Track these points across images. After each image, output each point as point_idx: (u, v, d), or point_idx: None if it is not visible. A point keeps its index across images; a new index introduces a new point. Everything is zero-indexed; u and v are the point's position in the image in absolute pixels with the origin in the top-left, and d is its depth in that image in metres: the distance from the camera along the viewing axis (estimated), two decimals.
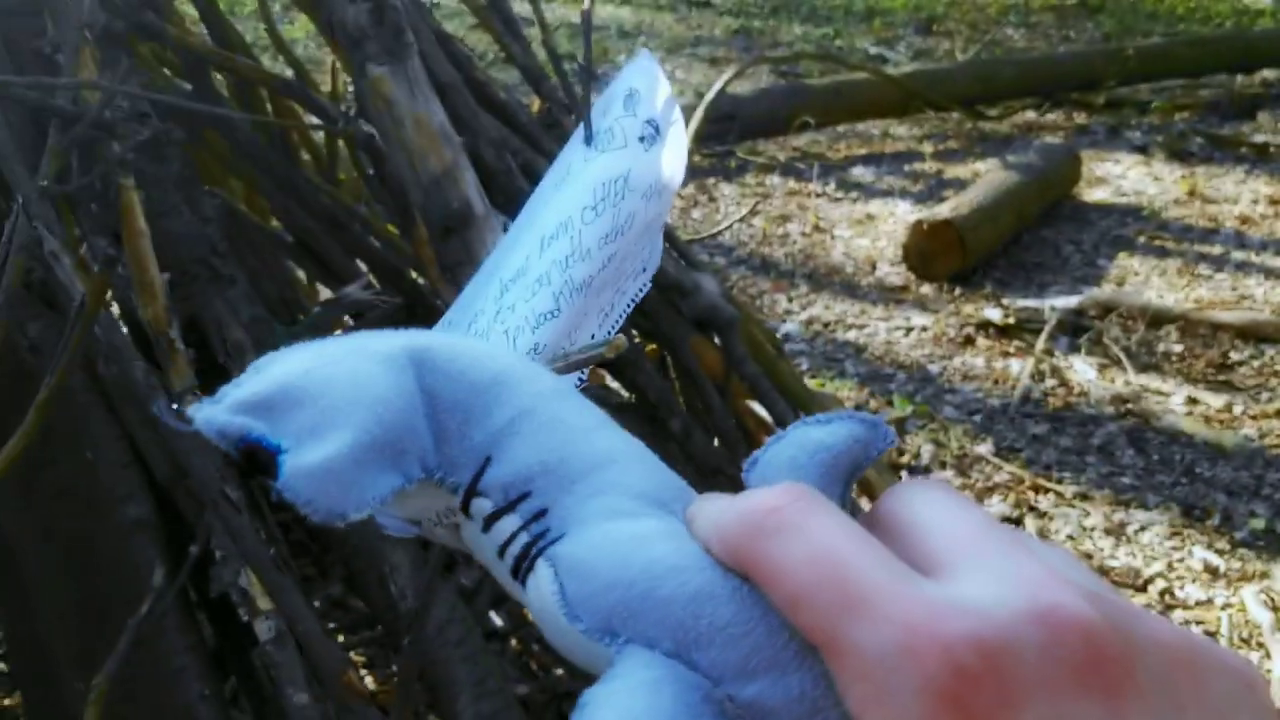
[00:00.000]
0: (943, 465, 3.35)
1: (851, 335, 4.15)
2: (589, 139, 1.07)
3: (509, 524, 0.42)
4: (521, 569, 0.42)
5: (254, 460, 0.40)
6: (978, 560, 0.35)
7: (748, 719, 0.36)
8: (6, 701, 2.32)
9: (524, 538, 0.42)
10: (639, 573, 0.39)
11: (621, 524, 0.41)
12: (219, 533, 1.13)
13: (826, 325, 4.23)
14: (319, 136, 2.42)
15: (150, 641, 1.19)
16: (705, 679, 0.37)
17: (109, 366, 1.15)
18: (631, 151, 1.06)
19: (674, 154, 1.04)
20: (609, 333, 1.06)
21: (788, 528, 0.36)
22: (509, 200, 1.58)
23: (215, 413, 0.40)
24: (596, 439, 0.44)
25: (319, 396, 0.40)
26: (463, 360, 0.44)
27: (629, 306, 1.05)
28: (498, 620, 2.58)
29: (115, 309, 1.41)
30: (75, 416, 1.26)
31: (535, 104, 2.12)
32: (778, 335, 3.54)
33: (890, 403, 3.67)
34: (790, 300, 4.43)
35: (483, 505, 0.43)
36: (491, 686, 1.32)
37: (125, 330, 1.26)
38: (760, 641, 0.37)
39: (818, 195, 5.38)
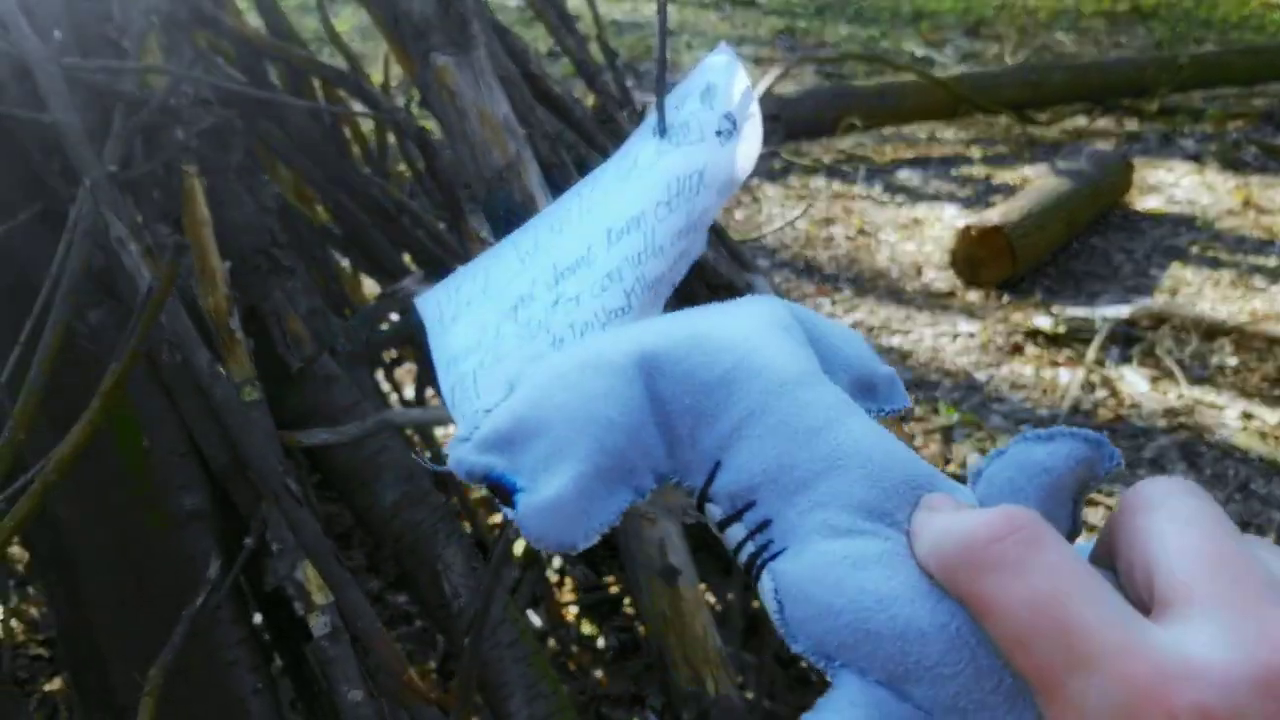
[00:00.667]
0: None
1: (896, 341, 4.11)
2: (662, 131, 1.05)
3: (736, 533, 0.43)
4: (751, 573, 0.43)
5: (499, 493, 0.42)
6: (1212, 603, 0.33)
7: None
8: (47, 688, 2.32)
9: (750, 548, 0.42)
10: (848, 602, 0.38)
11: (837, 544, 0.40)
12: (277, 525, 1.11)
13: (871, 330, 4.18)
14: (370, 129, 2.41)
15: (204, 634, 1.18)
16: (918, 710, 0.37)
17: (173, 354, 1.14)
18: (708, 146, 1.04)
19: (749, 147, 1.01)
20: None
21: (1010, 564, 0.34)
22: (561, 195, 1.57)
23: (464, 453, 0.43)
24: (821, 442, 0.43)
25: (550, 427, 0.42)
26: (692, 359, 0.45)
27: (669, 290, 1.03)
28: (536, 620, 2.57)
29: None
30: (130, 405, 1.25)
31: (590, 99, 2.11)
32: None
33: (936, 410, 3.62)
34: (834, 304, 4.39)
35: (713, 511, 0.44)
36: (544, 690, 1.30)
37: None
38: (968, 683, 0.36)
39: (863, 198, 5.33)
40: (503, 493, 0.41)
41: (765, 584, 0.41)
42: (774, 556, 0.41)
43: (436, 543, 1.31)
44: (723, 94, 1.05)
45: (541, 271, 1.09)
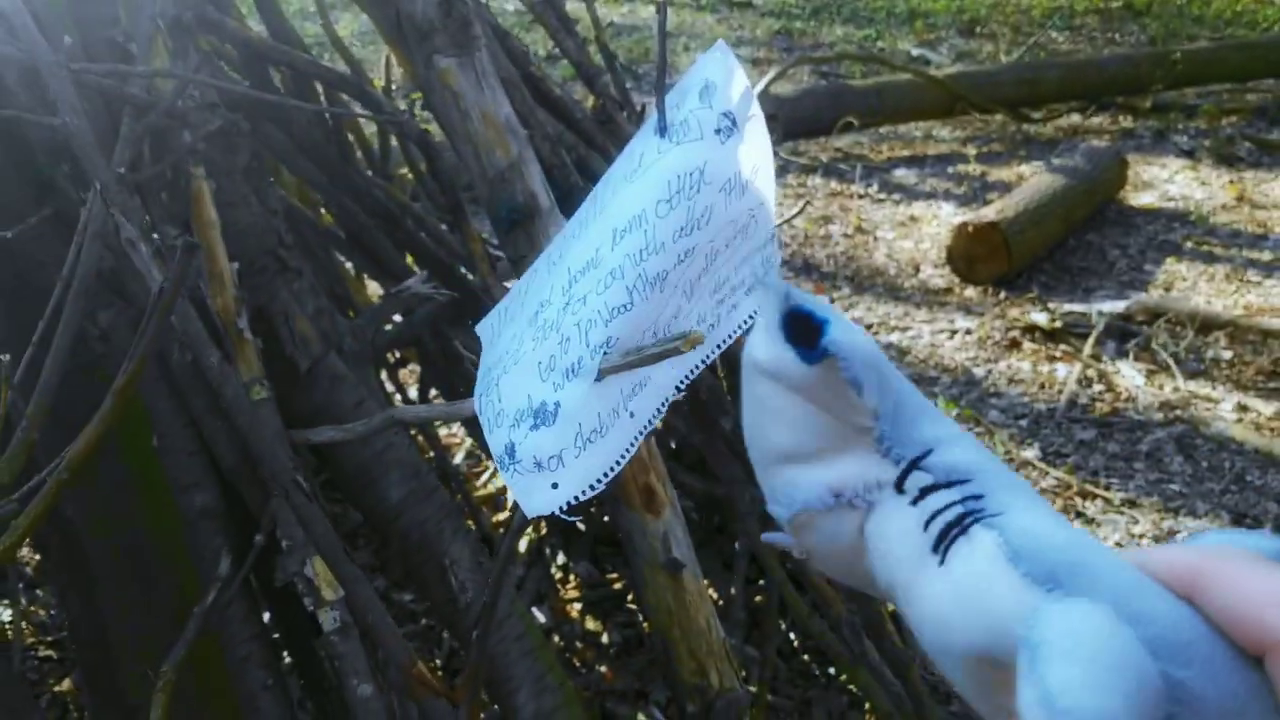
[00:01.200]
0: None
1: (894, 338, 4.13)
2: (663, 131, 1.07)
3: (945, 496, 0.45)
4: (950, 535, 0.44)
5: (795, 324, 0.45)
6: None
7: (1174, 695, 0.38)
8: (57, 688, 2.34)
9: (959, 509, 0.45)
10: (1087, 545, 0.41)
11: (1057, 518, 0.43)
12: (287, 521, 1.13)
13: (869, 328, 4.20)
14: (371, 132, 2.43)
15: (215, 631, 1.19)
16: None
17: (184, 354, 1.15)
18: (707, 144, 1.05)
19: (758, 148, 1.03)
20: (719, 345, 1.06)
21: (1257, 559, 0.41)
22: (564, 196, 1.58)
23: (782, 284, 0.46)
24: (1010, 472, 0.47)
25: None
26: (899, 378, 0.48)
27: (743, 323, 1.04)
28: (540, 617, 2.59)
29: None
30: (140, 405, 1.26)
31: (589, 101, 2.12)
32: None
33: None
34: (833, 302, 4.40)
35: (922, 478, 0.46)
36: (551, 683, 1.31)
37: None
38: (1197, 641, 0.39)
39: (860, 196, 5.35)
40: (808, 321, 0.44)
41: (979, 536, 0.43)
42: (986, 517, 0.44)
43: (443, 539, 1.32)
44: (721, 92, 1.06)
45: (559, 277, 1.11)
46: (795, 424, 0.46)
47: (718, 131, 1.04)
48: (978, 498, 0.45)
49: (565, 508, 0.94)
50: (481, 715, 1.48)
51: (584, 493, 0.93)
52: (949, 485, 0.45)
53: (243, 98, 1.43)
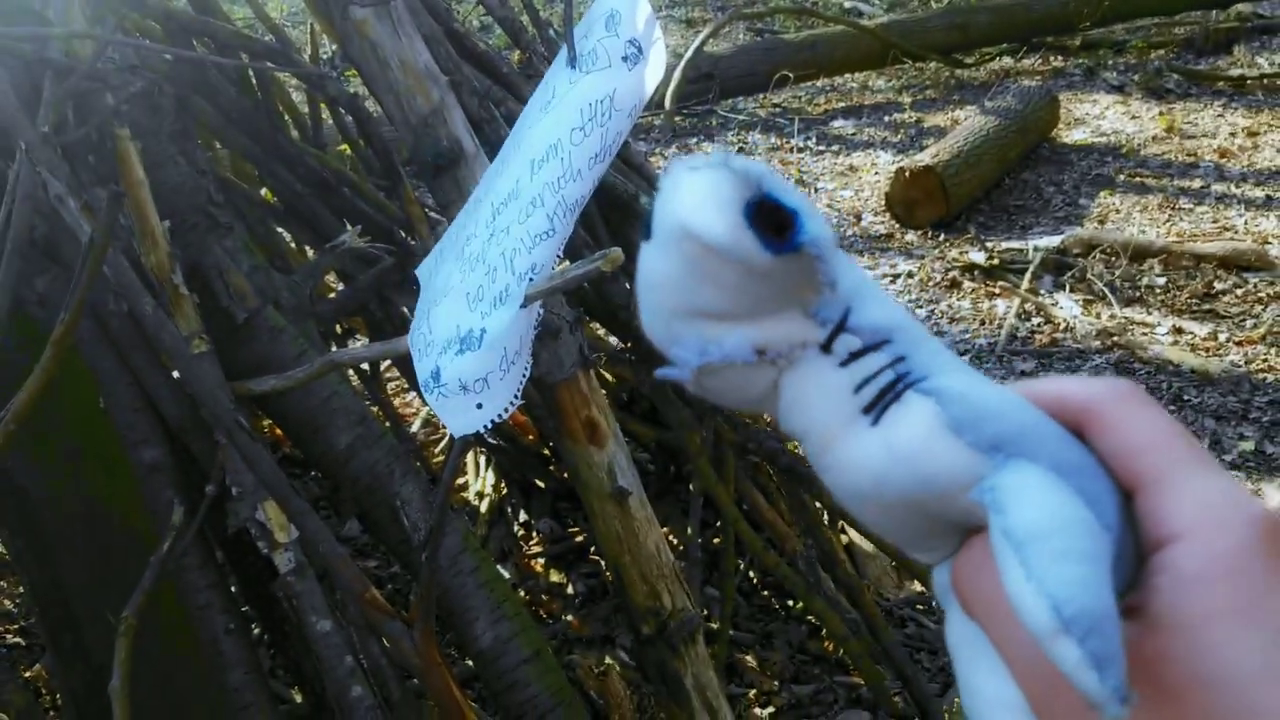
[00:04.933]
0: None
1: None
2: (573, 61, 1.10)
3: (875, 361, 0.46)
4: (883, 401, 0.46)
5: (764, 215, 0.42)
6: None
7: None
8: (27, 674, 2.35)
9: (889, 375, 0.46)
10: (1017, 409, 0.45)
11: (974, 375, 0.46)
12: (235, 465, 1.16)
13: None
14: (303, 106, 2.44)
15: (173, 581, 1.22)
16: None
17: (119, 303, 1.18)
18: (616, 71, 1.09)
19: (654, 70, 1.07)
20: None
21: (1148, 402, 0.45)
22: (494, 148, 1.61)
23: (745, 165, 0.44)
24: (921, 327, 0.49)
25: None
26: (818, 218, 0.46)
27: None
28: (506, 573, 2.62)
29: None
30: (82, 368, 1.29)
31: (516, 56, 2.15)
32: None
33: None
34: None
35: (850, 341, 0.46)
36: (507, 612, 1.35)
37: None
38: (1099, 485, 0.44)
39: (799, 150, 5.39)
40: (779, 213, 0.42)
41: (914, 403, 0.45)
42: (916, 382, 0.45)
43: (393, 480, 1.36)
44: (626, 20, 1.10)
45: (484, 212, 1.15)
46: (730, 289, 0.45)
47: (625, 59, 1.08)
48: (903, 359, 0.46)
49: (489, 426, 0.98)
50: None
51: (505, 410, 0.97)
52: (877, 348, 0.46)
53: (165, 64, 1.45)
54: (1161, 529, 0.42)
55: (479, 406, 1.01)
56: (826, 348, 0.47)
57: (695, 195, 0.43)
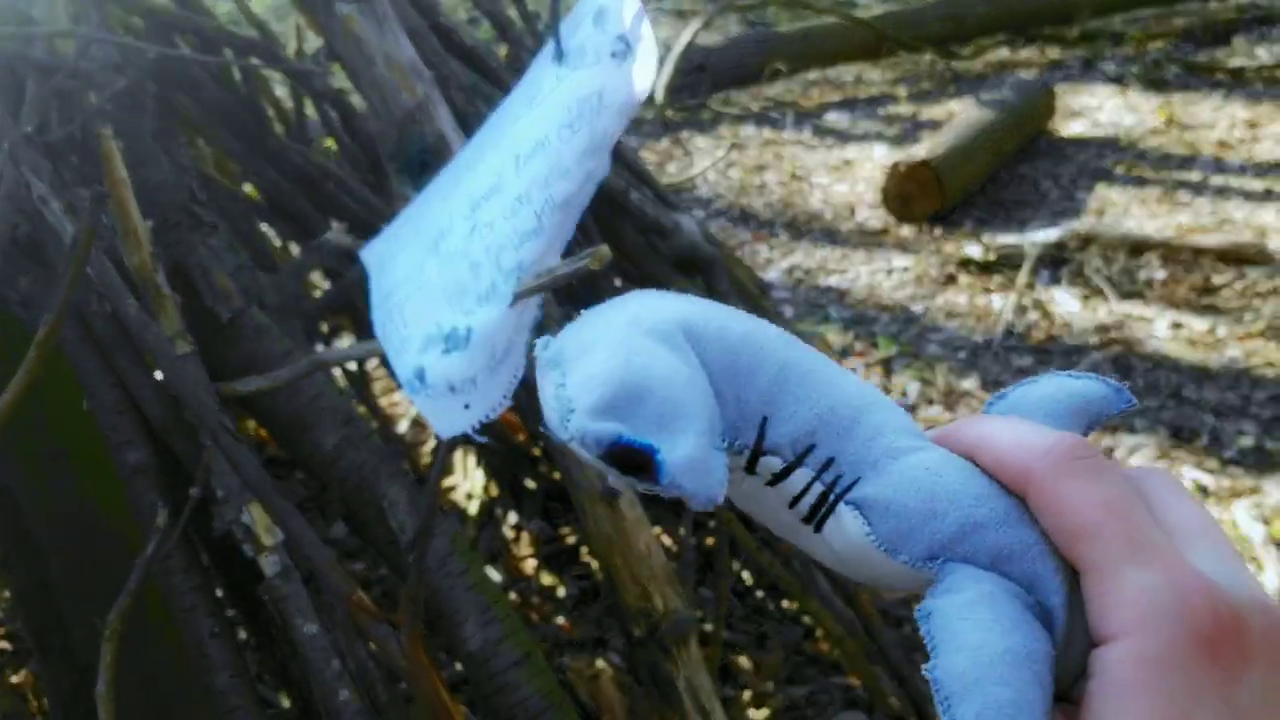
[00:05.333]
0: (930, 402, 3.38)
1: (834, 280, 4.17)
2: (560, 57, 1.09)
3: (801, 477, 0.45)
4: (818, 516, 0.45)
5: (624, 460, 0.41)
6: (1208, 547, 0.43)
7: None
8: (14, 679, 2.34)
9: (818, 488, 0.45)
10: (949, 504, 0.44)
11: (908, 460, 0.45)
12: (220, 468, 1.14)
13: (808, 272, 4.24)
14: (286, 101, 2.42)
15: (158, 583, 1.21)
16: (1018, 586, 0.43)
17: (102, 304, 1.16)
18: (604, 68, 1.07)
19: (644, 68, 1.05)
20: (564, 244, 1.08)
21: (1088, 473, 0.43)
22: None
23: (583, 422, 0.41)
24: (846, 384, 0.47)
25: (649, 392, 0.42)
26: (715, 322, 0.46)
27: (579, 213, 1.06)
28: (496, 575, 2.61)
29: None
30: (68, 370, 1.27)
31: (503, 50, 2.13)
32: None
33: (875, 344, 3.69)
34: (771, 249, 4.44)
35: (772, 463, 0.45)
36: (496, 614, 1.34)
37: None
38: (1037, 565, 0.43)
39: (793, 143, 5.37)
40: (636, 456, 0.40)
41: (846, 517, 0.45)
42: (847, 489, 0.45)
43: (380, 481, 1.34)
44: (614, 16, 1.08)
45: (459, 204, 1.13)
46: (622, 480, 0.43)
47: (613, 55, 1.06)
48: (829, 464, 0.45)
49: (477, 426, 0.97)
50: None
51: (494, 410, 0.96)
52: (800, 461, 0.45)
53: (148, 60, 1.43)
54: (1098, 624, 0.41)
55: (466, 407, 1.00)
56: (750, 470, 0.46)
57: (557, 425, 0.42)
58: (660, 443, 0.41)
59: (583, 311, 0.46)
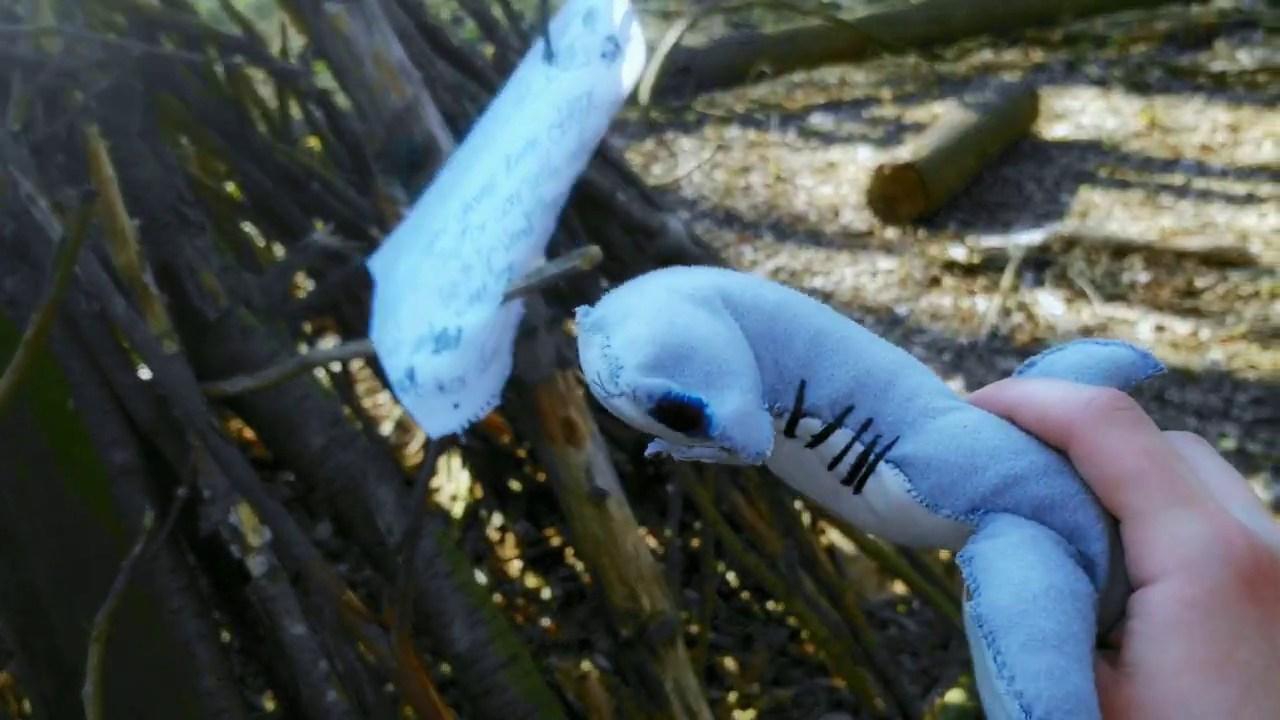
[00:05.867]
0: None
1: (818, 282, 4.17)
2: (550, 57, 1.09)
3: (841, 438, 0.46)
4: (859, 476, 0.46)
5: (674, 415, 0.41)
6: (1240, 500, 0.44)
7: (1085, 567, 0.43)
8: None
9: (858, 448, 0.46)
10: (989, 459, 0.45)
11: (946, 419, 0.46)
12: (208, 471, 1.14)
13: (793, 274, 4.25)
14: (271, 103, 2.41)
15: (145, 585, 1.20)
16: (1056, 533, 0.44)
17: (90, 303, 1.16)
18: (594, 69, 1.08)
19: (632, 68, 1.05)
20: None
21: (1130, 422, 0.44)
22: None
23: (634, 377, 0.41)
24: (879, 349, 0.47)
25: (695, 350, 0.42)
26: (750, 290, 0.46)
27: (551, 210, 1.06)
28: (481, 577, 2.60)
29: None
30: (54, 369, 1.26)
31: (489, 50, 2.13)
32: None
33: None
34: (756, 251, 4.44)
35: (812, 425, 0.46)
36: (483, 616, 1.33)
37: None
38: (1084, 509, 0.44)
39: (778, 145, 5.38)
40: (686, 410, 0.41)
41: (887, 476, 0.45)
42: (887, 448, 0.45)
43: (367, 483, 1.34)
44: (604, 17, 1.08)
45: (453, 206, 1.13)
46: (671, 438, 0.43)
47: (603, 55, 1.06)
48: (868, 425, 0.45)
49: (466, 426, 0.97)
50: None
51: (482, 409, 0.96)
52: (839, 422, 0.46)
53: (131, 58, 1.42)
54: (1140, 567, 0.42)
55: (456, 406, 1.00)
56: (790, 433, 0.46)
57: (607, 380, 0.42)
58: (709, 397, 0.41)
59: (579, 307, 0.46)
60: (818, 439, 0.46)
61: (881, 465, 0.45)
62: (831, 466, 0.46)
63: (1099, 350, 0.51)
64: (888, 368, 0.47)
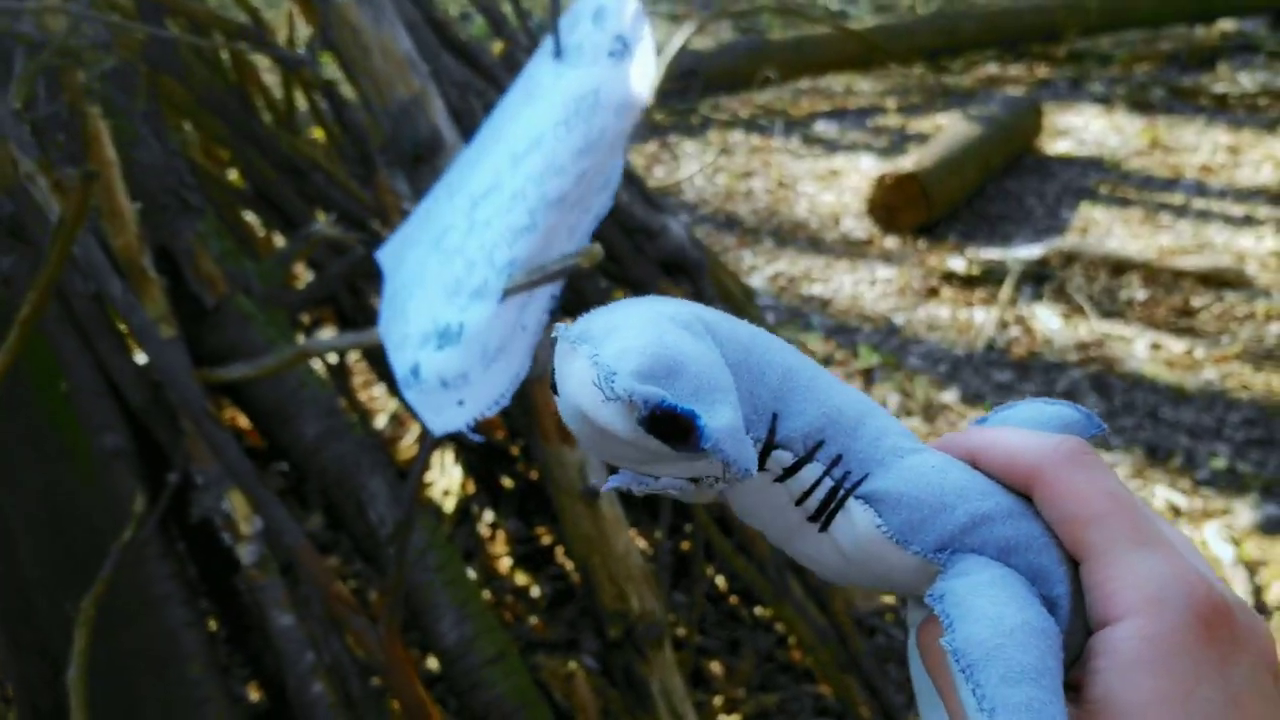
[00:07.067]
0: (909, 414, 3.38)
1: (817, 289, 4.17)
2: (558, 54, 1.08)
3: (811, 472, 0.46)
4: (827, 511, 0.46)
5: (666, 425, 0.41)
6: (1185, 547, 0.46)
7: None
8: None
9: (828, 483, 0.46)
10: (956, 497, 0.46)
11: (914, 459, 0.47)
12: (200, 453, 1.13)
13: (792, 280, 4.24)
14: (277, 92, 2.40)
15: (133, 570, 1.20)
16: (1018, 573, 0.45)
17: (86, 285, 1.15)
18: (601, 67, 1.07)
19: (642, 68, 1.05)
20: (576, 247, 1.07)
21: (1093, 465, 0.46)
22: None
23: (629, 383, 0.41)
24: (846, 390, 0.48)
25: (685, 366, 0.42)
26: (726, 322, 0.47)
27: (595, 222, 1.06)
28: (471, 574, 2.60)
29: None
30: (47, 353, 1.26)
31: (497, 47, 2.12)
32: None
33: (856, 354, 3.69)
34: (755, 256, 4.44)
35: (783, 457, 0.46)
36: (473, 611, 1.33)
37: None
38: (1047, 551, 0.45)
39: (781, 151, 5.38)
40: (679, 420, 0.41)
41: (856, 510, 0.46)
42: (856, 484, 0.46)
43: (360, 473, 1.33)
44: (613, 15, 1.08)
45: (461, 202, 1.12)
46: (646, 458, 0.43)
47: (611, 54, 1.06)
48: (837, 461, 0.46)
49: (472, 424, 0.96)
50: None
51: (490, 407, 0.95)
52: (810, 456, 0.46)
53: (137, 42, 1.42)
54: (1103, 606, 0.43)
55: (460, 403, 0.99)
56: (761, 465, 0.46)
57: (589, 392, 0.42)
58: (701, 409, 0.41)
59: (577, 316, 0.46)
60: (788, 472, 0.46)
61: (851, 501, 0.46)
62: (799, 502, 0.47)
63: (1048, 408, 0.52)
64: (856, 407, 0.47)
